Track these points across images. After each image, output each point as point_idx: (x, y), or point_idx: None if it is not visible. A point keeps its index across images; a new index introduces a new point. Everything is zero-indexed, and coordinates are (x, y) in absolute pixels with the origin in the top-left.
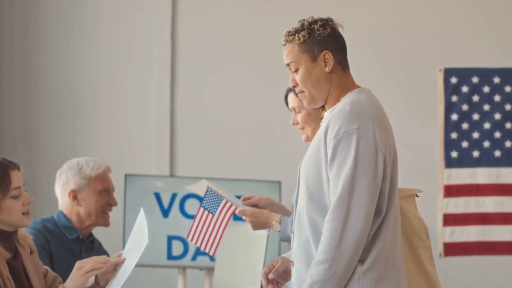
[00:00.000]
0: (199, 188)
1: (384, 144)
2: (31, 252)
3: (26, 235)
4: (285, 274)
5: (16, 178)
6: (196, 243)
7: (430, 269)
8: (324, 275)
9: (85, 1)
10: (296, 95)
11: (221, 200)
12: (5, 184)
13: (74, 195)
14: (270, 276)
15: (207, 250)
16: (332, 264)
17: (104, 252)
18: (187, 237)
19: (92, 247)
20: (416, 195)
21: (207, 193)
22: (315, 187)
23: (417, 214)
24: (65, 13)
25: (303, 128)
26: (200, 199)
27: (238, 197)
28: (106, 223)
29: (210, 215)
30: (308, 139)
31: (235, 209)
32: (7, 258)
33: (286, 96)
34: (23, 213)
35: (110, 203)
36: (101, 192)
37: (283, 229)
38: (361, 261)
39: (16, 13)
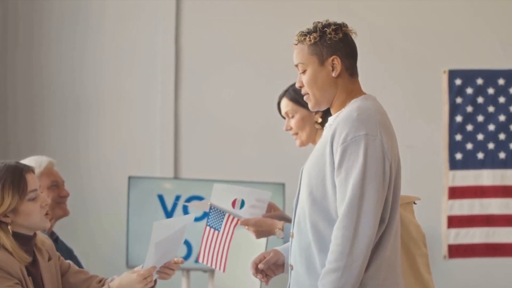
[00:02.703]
0: (202, 206)
1: (390, 151)
2: (49, 259)
3: (44, 240)
4: (275, 267)
5: (32, 180)
6: (206, 263)
7: (426, 277)
8: (337, 283)
9: (89, 1)
10: (291, 99)
11: (224, 215)
12: (21, 188)
13: None
14: (260, 266)
15: (217, 268)
16: (344, 272)
17: (66, 247)
18: (198, 259)
19: (57, 245)
20: (414, 203)
21: (211, 211)
22: (319, 192)
23: (415, 221)
24: (69, 13)
25: (296, 134)
26: (202, 199)
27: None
28: (64, 213)
29: (216, 232)
30: (303, 144)
31: (238, 221)
32: (27, 262)
33: (278, 104)
34: (43, 215)
35: (61, 195)
36: (49, 187)
37: (286, 235)
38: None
39: (20, 14)
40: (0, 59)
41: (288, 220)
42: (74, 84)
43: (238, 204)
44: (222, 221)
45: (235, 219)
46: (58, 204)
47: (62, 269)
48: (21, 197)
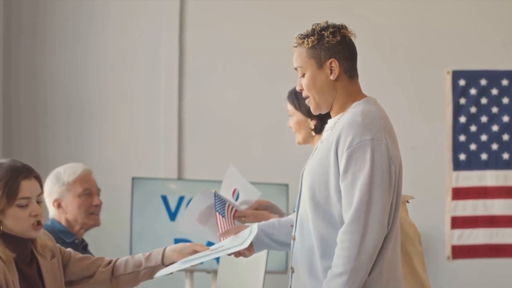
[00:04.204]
0: (207, 194)
1: (395, 156)
2: (52, 257)
3: (46, 243)
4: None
5: (28, 187)
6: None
7: (422, 275)
8: (345, 287)
9: (92, 1)
10: (290, 101)
11: (225, 204)
12: (12, 192)
13: (58, 204)
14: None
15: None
16: (351, 276)
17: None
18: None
19: (85, 252)
20: (407, 201)
21: (216, 198)
22: (322, 195)
23: (410, 220)
24: (73, 14)
25: (295, 132)
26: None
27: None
28: (95, 224)
29: (223, 218)
30: (299, 143)
31: (236, 211)
32: (11, 258)
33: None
34: (32, 225)
35: (93, 204)
36: (81, 195)
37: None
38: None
39: (23, 14)
40: (4, 60)
41: (277, 209)
42: (77, 85)
43: (235, 195)
44: (224, 208)
45: (234, 210)
46: (90, 214)
47: (63, 261)
48: (9, 201)
